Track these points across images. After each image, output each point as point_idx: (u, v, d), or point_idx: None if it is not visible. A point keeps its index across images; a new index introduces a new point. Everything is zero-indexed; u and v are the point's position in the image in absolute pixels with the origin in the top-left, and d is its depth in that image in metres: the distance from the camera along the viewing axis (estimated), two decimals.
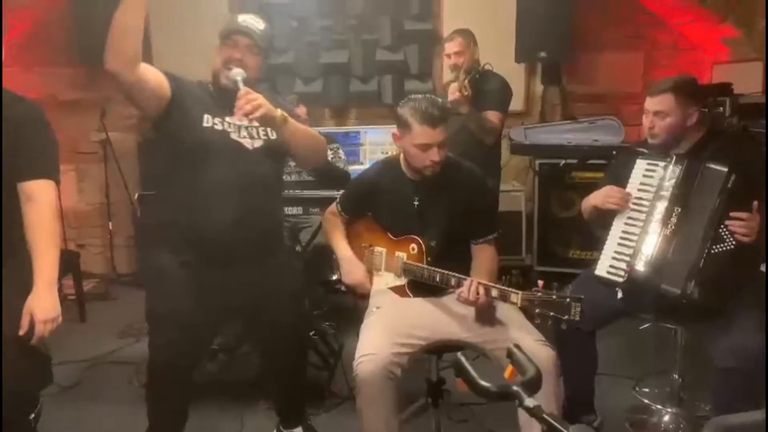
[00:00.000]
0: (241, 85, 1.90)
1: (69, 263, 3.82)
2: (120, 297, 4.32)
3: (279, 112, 1.93)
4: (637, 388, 2.75)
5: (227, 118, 2.03)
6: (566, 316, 1.75)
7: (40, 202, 1.84)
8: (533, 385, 1.00)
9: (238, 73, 1.94)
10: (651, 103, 2.19)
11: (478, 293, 1.89)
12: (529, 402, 0.97)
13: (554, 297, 1.77)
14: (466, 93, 2.97)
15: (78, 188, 4.69)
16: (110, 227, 4.53)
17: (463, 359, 1.03)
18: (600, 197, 2.26)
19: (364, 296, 2.26)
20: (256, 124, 2.00)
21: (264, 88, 2.16)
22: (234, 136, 2.03)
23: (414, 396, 2.33)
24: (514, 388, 0.99)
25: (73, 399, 2.87)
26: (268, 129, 2.05)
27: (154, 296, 2.09)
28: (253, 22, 2.06)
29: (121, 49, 1.77)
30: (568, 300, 1.75)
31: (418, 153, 2.06)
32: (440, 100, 2.11)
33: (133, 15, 1.77)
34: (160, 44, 4.25)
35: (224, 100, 2.00)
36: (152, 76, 1.90)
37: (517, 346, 1.10)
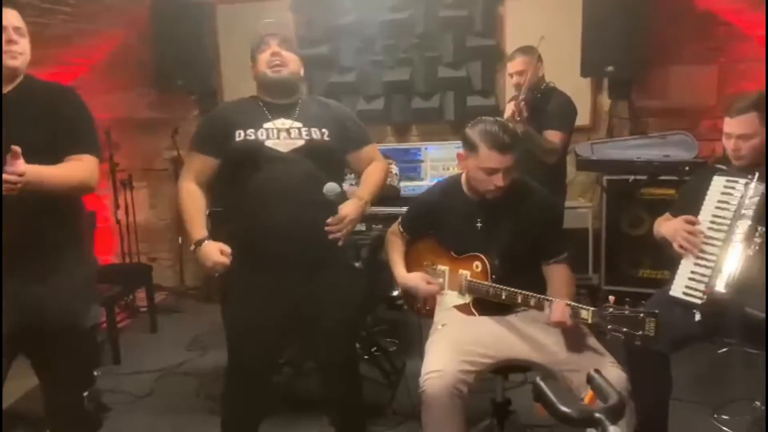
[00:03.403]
0: (332, 197, 2.01)
1: (142, 276, 3.99)
2: (187, 310, 4.44)
3: (362, 208, 2.10)
4: (716, 416, 2.60)
5: (265, 125, 2.07)
6: (640, 332, 1.67)
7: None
8: (617, 412, 0.96)
9: (331, 189, 2.01)
10: (733, 126, 2.09)
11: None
12: (613, 429, 0.94)
13: (627, 312, 1.70)
14: (518, 118, 2.91)
15: (150, 204, 4.89)
16: (180, 242, 4.67)
17: (542, 384, 1.00)
18: (670, 232, 2.15)
19: (429, 314, 2.24)
20: (298, 125, 2.08)
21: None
22: (269, 143, 2.05)
23: (479, 417, 2.29)
24: (597, 414, 0.95)
25: (145, 408, 2.97)
26: (314, 129, 2.10)
27: (226, 304, 2.23)
28: (277, 22, 2.19)
29: None
30: (642, 315, 1.68)
31: (483, 177, 2.03)
32: (512, 125, 2.06)
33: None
34: (229, 70, 4.39)
35: (275, 109, 2.09)
36: (203, 170, 2.13)
37: (598, 372, 1.06)
